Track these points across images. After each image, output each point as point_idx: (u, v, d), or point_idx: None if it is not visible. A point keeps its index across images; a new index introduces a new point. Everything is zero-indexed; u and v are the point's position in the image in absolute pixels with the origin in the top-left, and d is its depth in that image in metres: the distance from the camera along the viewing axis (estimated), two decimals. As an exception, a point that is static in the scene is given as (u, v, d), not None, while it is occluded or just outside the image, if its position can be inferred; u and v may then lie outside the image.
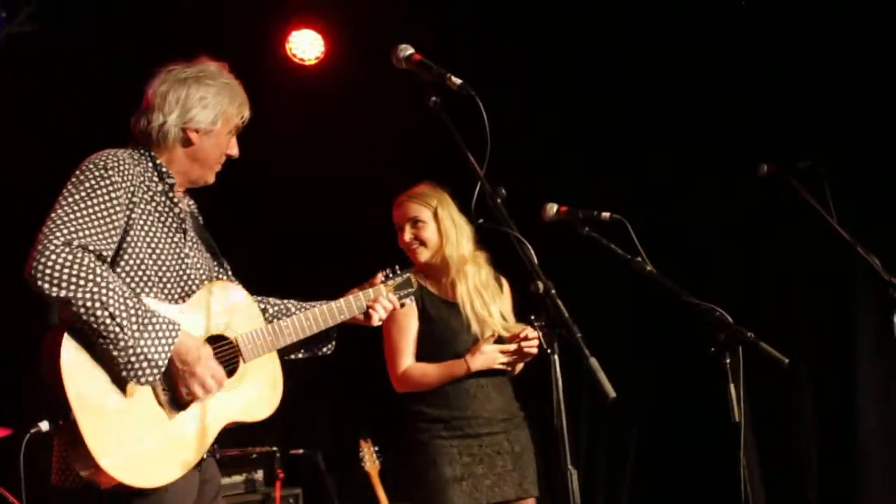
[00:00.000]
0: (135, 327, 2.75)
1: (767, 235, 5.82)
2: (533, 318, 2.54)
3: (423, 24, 5.24)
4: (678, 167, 5.99)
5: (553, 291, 2.52)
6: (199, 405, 2.93)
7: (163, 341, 2.80)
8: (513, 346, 4.07)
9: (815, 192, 3.99)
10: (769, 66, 5.74)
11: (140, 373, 2.77)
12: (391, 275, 3.51)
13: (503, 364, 4.09)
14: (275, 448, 5.70)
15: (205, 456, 2.99)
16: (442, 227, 4.17)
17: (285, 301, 3.36)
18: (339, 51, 6.38)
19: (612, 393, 2.43)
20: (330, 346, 3.44)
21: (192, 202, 3.23)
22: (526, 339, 4.04)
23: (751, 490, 3.50)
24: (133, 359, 2.75)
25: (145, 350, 2.76)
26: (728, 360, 3.32)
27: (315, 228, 6.32)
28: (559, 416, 2.51)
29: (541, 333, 2.53)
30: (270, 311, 3.32)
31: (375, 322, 3.40)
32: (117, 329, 2.72)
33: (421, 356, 4.10)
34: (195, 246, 3.11)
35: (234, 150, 3.16)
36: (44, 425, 2.81)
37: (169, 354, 2.81)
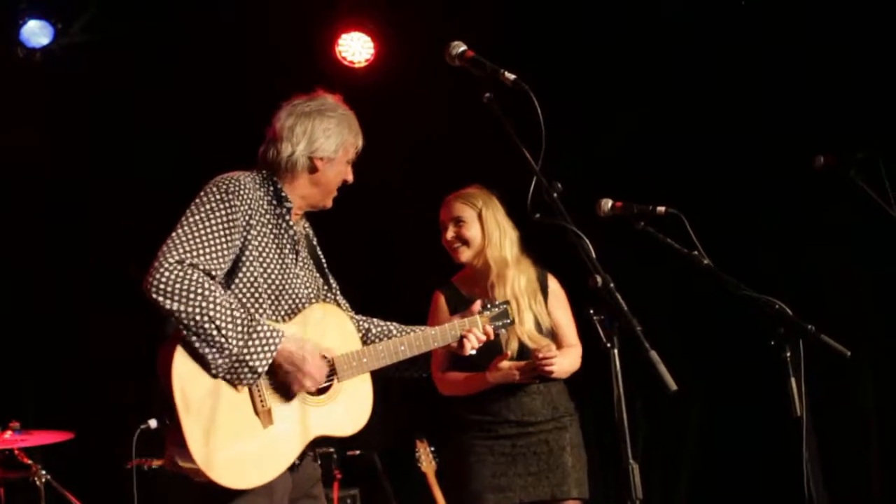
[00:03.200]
0: (239, 337, 2.99)
1: (823, 226, 5.75)
2: (592, 311, 2.52)
3: (472, 25, 5.24)
4: (733, 162, 5.93)
5: (612, 285, 2.51)
6: (292, 418, 3.13)
7: (265, 349, 3.03)
8: (526, 364, 4.04)
9: (873, 182, 3.93)
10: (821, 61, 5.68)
11: (242, 377, 3.02)
12: (490, 306, 3.59)
13: (522, 380, 4.06)
14: (332, 449, 5.73)
15: (297, 461, 3.17)
16: (486, 228, 4.17)
17: (388, 323, 3.52)
18: (389, 53, 6.40)
19: (673, 385, 2.41)
20: (426, 370, 3.62)
21: (307, 225, 3.43)
22: (538, 358, 3.99)
23: (814, 487, 3.43)
24: (237, 365, 3.00)
25: (247, 358, 3.00)
26: (788, 354, 3.28)
27: (363, 232, 6.34)
28: (619, 410, 2.50)
29: (600, 328, 2.51)
30: (374, 330, 3.48)
31: (467, 350, 3.51)
32: (223, 339, 2.97)
33: (452, 362, 4.10)
34: (306, 266, 3.33)
35: (350, 176, 3.39)
36: (152, 423, 3.11)
37: (269, 362, 3.04)
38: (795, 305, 3.36)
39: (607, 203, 3.62)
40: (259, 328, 3.02)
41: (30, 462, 5.20)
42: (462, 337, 3.50)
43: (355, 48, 6.39)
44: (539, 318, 4.15)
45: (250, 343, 3.00)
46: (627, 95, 6.12)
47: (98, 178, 6.08)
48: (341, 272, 3.56)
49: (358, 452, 5.89)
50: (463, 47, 2.96)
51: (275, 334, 3.05)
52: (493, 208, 4.21)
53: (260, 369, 3.02)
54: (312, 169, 3.27)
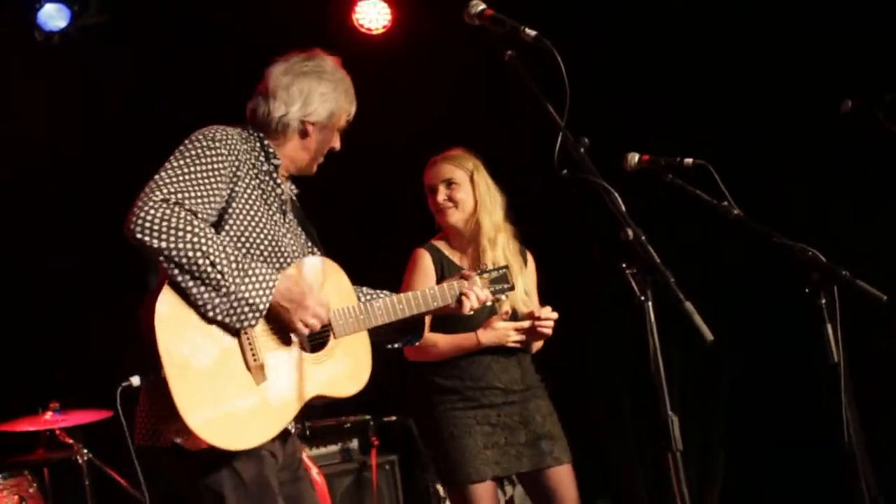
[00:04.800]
0: (235, 273, 2.81)
1: (853, 172, 5.69)
2: (624, 265, 2.51)
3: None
4: (760, 114, 5.88)
5: (643, 238, 2.50)
6: (287, 375, 2.94)
7: (263, 285, 2.85)
8: (526, 324, 4.01)
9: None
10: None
11: (243, 317, 2.83)
12: (488, 269, 3.53)
13: (515, 342, 4.03)
14: (368, 416, 5.76)
15: (291, 429, 3.04)
16: (477, 192, 4.11)
17: (378, 291, 3.36)
18: (406, 20, 6.36)
19: (709, 336, 2.39)
20: (419, 336, 3.48)
21: (293, 188, 3.29)
22: (539, 318, 3.97)
23: (853, 433, 3.42)
24: (236, 304, 2.81)
25: (247, 295, 2.82)
26: (824, 300, 3.25)
27: (383, 198, 6.33)
28: (656, 362, 2.48)
29: (633, 281, 2.49)
30: (362, 298, 3.32)
31: (466, 310, 3.39)
32: (219, 276, 2.79)
33: (434, 325, 3.96)
34: (292, 229, 3.17)
35: (337, 144, 3.25)
36: (135, 380, 2.82)
37: (270, 298, 2.86)
38: (826, 252, 3.34)
39: (634, 157, 3.59)
40: (254, 265, 2.85)
41: (71, 441, 5.26)
42: (461, 295, 3.38)
43: (372, 15, 6.36)
44: (526, 288, 4.12)
45: (247, 279, 2.81)
46: (651, 47, 6.05)
47: (107, 169, 6.06)
48: (347, 243, 3.52)
49: (394, 418, 5.92)
50: (482, 6, 2.92)
51: (271, 272, 2.87)
52: (483, 172, 4.15)
53: (262, 306, 2.83)
54: (303, 133, 3.14)
